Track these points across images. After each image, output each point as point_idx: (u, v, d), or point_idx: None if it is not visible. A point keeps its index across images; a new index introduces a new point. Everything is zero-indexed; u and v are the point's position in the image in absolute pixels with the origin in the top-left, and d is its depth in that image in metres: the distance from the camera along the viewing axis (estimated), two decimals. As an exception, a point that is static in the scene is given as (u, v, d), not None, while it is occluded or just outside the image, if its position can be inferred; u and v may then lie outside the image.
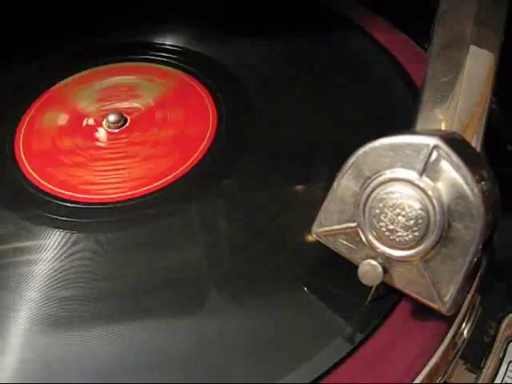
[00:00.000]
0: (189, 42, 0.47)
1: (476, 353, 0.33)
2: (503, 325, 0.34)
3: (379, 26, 0.46)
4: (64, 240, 0.36)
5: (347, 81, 0.43)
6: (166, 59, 0.46)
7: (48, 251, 0.35)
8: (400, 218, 0.28)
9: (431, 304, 0.29)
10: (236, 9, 0.49)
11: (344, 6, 0.48)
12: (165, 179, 0.38)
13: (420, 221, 0.28)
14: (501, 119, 0.43)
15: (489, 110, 0.33)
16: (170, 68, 0.46)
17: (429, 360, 0.30)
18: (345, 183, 0.30)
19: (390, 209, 0.29)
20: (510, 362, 0.33)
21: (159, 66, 0.46)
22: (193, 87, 0.44)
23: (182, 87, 0.44)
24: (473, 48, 0.34)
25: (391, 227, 0.29)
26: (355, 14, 0.47)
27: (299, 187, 0.38)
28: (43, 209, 0.38)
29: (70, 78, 0.47)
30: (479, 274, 0.34)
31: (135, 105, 0.43)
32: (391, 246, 0.29)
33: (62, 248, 0.35)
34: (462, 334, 0.32)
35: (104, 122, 0.42)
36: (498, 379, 0.32)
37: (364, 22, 0.46)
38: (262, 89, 0.43)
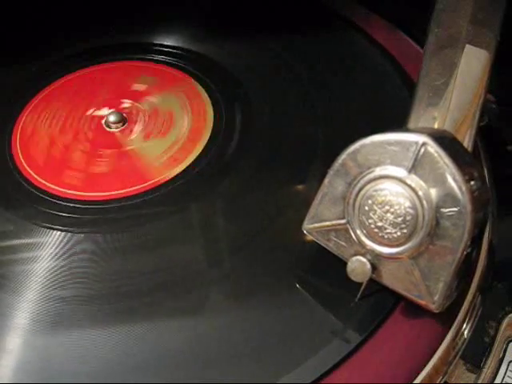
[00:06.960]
0: (188, 42, 0.47)
1: (476, 353, 0.33)
2: (503, 325, 0.34)
3: (379, 26, 0.46)
4: (65, 240, 0.36)
5: (346, 80, 0.43)
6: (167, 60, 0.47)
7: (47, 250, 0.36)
8: (389, 215, 0.29)
9: (420, 301, 0.29)
10: (236, 9, 0.49)
11: (344, 6, 0.48)
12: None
13: (408, 218, 0.28)
14: (501, 119, 0.43)
15: (482, 110, 0.33)
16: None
17: (429, 360, 0.30)
18: (335, 180, 0.30)
19: (379, 206, 0.29)
20: (510, 362, 0.33)
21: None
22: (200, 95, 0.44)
23: (196, 99, 0.44)
24: (468, 47, 0.34)
25: (380, 224, 0.29)
26: (355, 14, 0.47)
27: (298, 187, 0.38)
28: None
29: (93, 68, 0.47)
30: (479, 274, 0.34)
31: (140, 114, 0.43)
32: (380, 243, 0.29)
33: (61, 247, 0.36)
34: (462, 334, 0.32)
35: (105, 118, 0.42)
36: (498, 379, 0.32)
37: (364, 22, 0.46)
38: (262, 89, 0.43)
